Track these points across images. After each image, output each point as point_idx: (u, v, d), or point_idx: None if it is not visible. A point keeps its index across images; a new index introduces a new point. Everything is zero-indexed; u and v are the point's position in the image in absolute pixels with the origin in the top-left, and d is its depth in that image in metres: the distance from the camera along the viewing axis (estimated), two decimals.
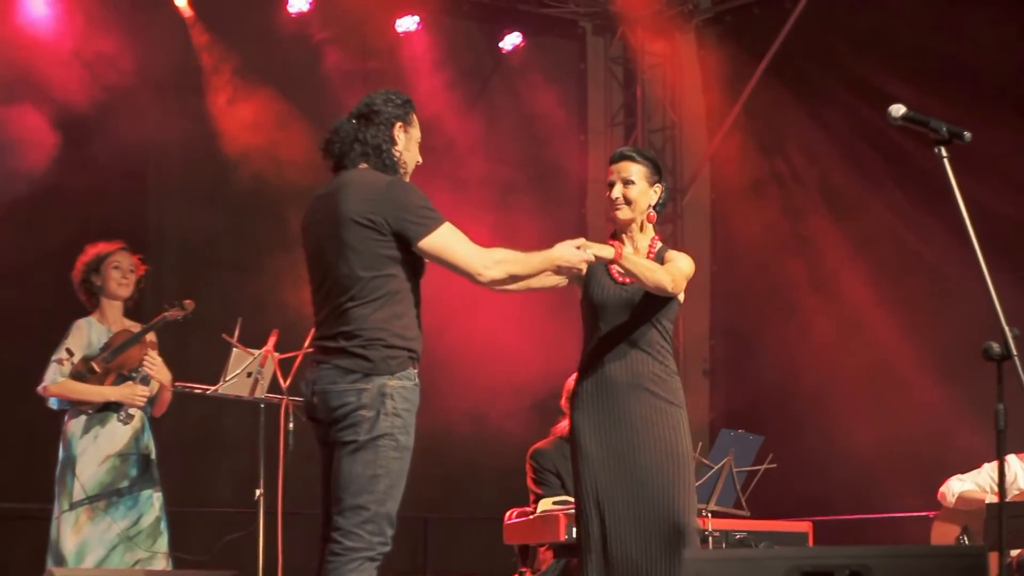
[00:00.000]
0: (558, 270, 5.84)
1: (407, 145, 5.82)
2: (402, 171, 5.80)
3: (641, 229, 6.36)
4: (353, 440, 5.51)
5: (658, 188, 6.34)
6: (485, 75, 12.87)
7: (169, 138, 10.73)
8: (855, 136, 11.86)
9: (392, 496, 5.55)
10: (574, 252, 5.82)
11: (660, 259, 6.28)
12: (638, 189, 6.29)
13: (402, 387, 5.56)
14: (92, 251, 8.08)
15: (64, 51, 10.28)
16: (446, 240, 5.58)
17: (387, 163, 5.73)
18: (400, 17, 12.17)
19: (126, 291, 8.08)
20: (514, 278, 5.69)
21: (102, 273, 8.04)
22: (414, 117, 5.87)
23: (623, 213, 6.31)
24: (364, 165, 5.74)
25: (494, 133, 12.56)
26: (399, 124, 5.79)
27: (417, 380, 5.65)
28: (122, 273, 8.06)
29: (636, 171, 6.29)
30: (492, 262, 5.63)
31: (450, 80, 12.26)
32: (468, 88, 12.50)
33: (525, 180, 12.63)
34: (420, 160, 5.93)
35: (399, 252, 5.58)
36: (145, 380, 7.95)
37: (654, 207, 6.35)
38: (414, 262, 5.64)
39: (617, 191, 6.29)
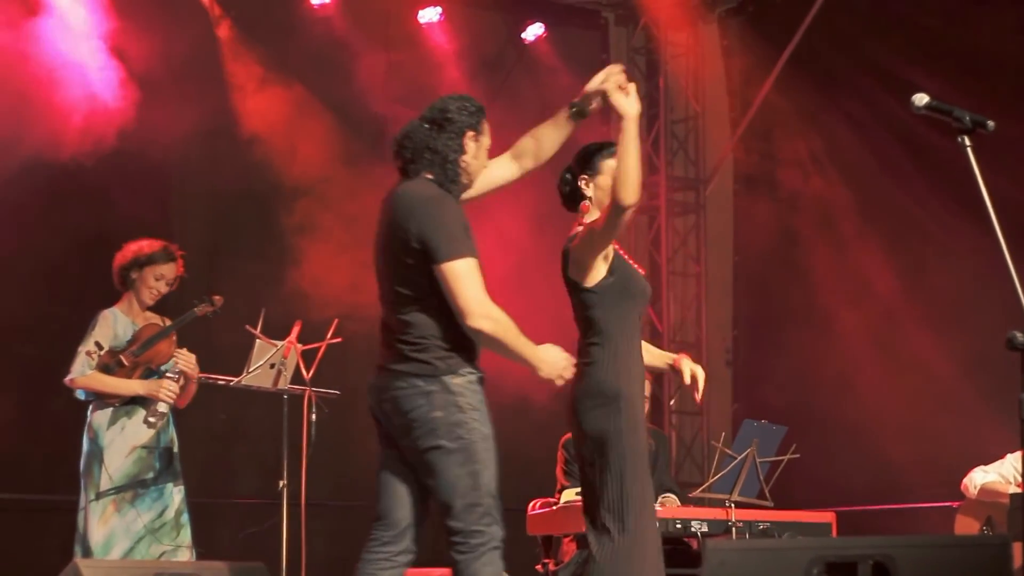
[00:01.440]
0: (535, 371, 5.77)
1: (476, 153, 5.86)
2: (465, 180, 5.84)
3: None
4: (437, 445, 5.58)
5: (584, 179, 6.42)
6: (507, 66, 12.86)
7: (192, 129, 10.73)
8: (878, 126, 11.82)
9: (494, 484, 5.69)
10: (557, 363, 5.78)
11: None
12: None
13: (467, 382, 5.64)
14: (147, 248, 8.05)
15: (86, 43, 10.29)
16: (463, 273, 5.56)
17: (450, 175, 5.76)
18: (422, 8, 12.18)
19: (151, 302, 8.08)
20: (496, 342, 5.63)
21: (143, 274, 8.03)
22: (486, 125, 5.92)
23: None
24: (429, 175, 5.77)
25: (516, 124, 12.47)
26: (471, 133, 5.83)
27: (480, 372, 5.73)
28: (159, 286, 8.04)
29: None
30: (487, 314, 5.58)
31: (472, 71, 12.26)
32: (490, 79, 12.49)
33: (548, 171, 12.61)
34: (486, 166, 5.99)
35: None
36: (184, 376, 7.94)
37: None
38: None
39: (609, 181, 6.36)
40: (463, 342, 5.66)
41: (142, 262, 8.02)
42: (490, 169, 6.09)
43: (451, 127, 5.78)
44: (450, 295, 5.56)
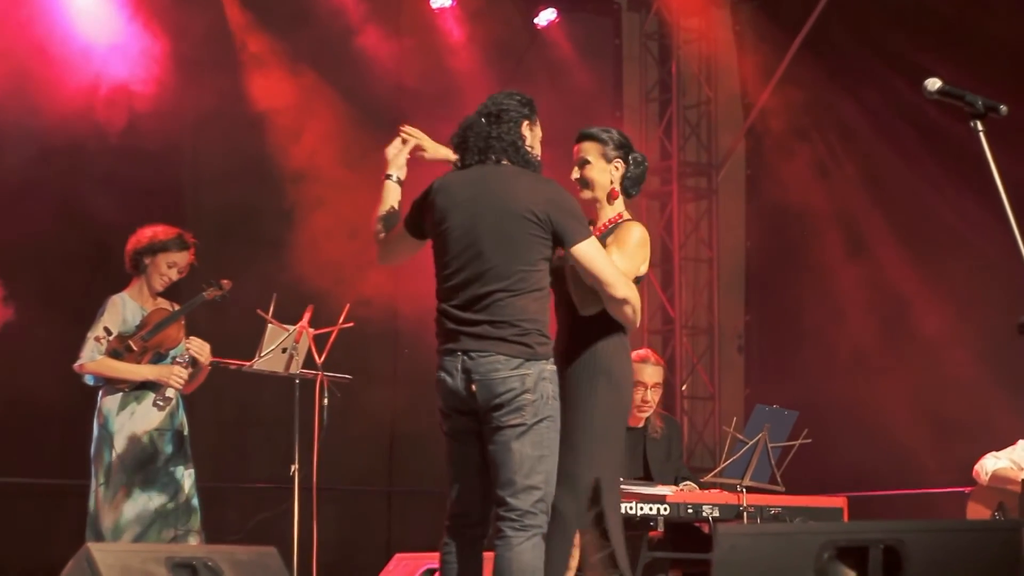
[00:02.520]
0: (632, 327, 6.14)
1: (532, 142, 6.04)
2: (537, 164, 6.03)
3: (610, 202, 6.39)
4: (520, 423, 5.75)
5: (619, 164, 6.35)
6: (520, 51, 12.84)
7: (203, 114, 10.74)
8: (891, 111, 11.82)
9: (554, 474, 5.83)
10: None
11: (610, 234, 6.31)
12: (595, 168, 6.35)
13: (554, 371, 5.87)
14: (162, 235, 8.00)
15: (98, 26, 10.29)
16: (596, 250, 5.91)
17: (527, 159, 5.98)
18: None
19: (161, 288, 8.06)
20: (632, 307, 5.98)
21: (155, 260, 8.00)
22: (536, 116, 6.10)
23: (583, 194, 6.37)
24: (506, 161, 5.95)
25: None
26: (526, 122, 6.03)
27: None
28: (171, 273, 8.01)
29: (590, 149, 6.37)
30: (625, 281, 5.95)
31: (484, 57, 12.25)
32: (503, 65, 12.47)
33: (560, 156, 12.60)
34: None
35: (550, 250, 5.87)
36: (194, 362, 7.93)
37: (621, 182, 6.34)
38: (550, 260, 5.94)
39: (575, 173, 6.40)
40: (550, 332, 5.92)
41: (156, 248, 7.99)
42: (399, 243, 6.17)
43: (507, 117, 5.98)
44: (591, 271, 5.88)
